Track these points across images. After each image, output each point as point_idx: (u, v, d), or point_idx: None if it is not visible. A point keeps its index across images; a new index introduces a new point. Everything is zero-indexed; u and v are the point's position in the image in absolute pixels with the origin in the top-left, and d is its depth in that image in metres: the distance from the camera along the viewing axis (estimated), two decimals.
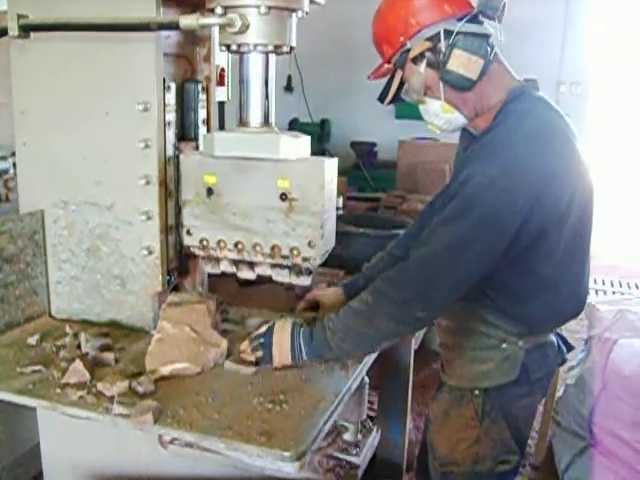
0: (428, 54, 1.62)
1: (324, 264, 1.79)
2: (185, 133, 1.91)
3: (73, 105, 1.81)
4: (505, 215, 1.50)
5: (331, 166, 1.69)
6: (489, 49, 1.59)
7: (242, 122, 1.77)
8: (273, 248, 1.71)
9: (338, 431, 1.97)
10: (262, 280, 1.85)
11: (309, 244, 1.68)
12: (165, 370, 1.61)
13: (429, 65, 1.63)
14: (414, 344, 2.40)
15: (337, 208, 1.81)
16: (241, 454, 1.42)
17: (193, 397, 1.53)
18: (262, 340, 1.66)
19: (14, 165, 2.10)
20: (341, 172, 1.93)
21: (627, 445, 2.53)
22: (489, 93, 1.65)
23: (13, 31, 1.75)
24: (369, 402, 2.05)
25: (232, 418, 1.45)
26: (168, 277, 1.88)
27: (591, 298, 2.77)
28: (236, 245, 1.74)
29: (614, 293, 4.98)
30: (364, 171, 5.98)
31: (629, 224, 7.10)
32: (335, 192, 1.76)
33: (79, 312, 1.94)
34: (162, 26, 1.67)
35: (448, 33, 1.58)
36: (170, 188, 1.84)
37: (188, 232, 1.78)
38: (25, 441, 2.01)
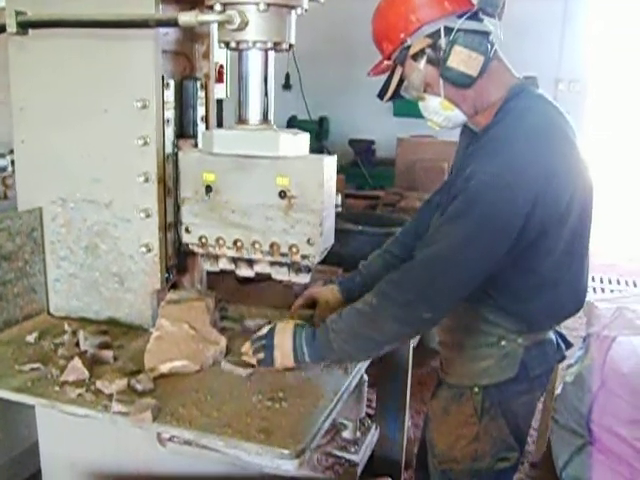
0: (428, 51, 1.62)
1: (323, 262, 1.79)
2: (184, 130, 1.91)
3: (72, 102, 1.81)
4: (507, 213, 1.50)
5: (330, 164, 1.69)
6: (489, 46, 1.59)
7: (241, 119, 1.77)
8: (272, 246, 1.71)
9: (337, 429, 1.96)
10: (261, 278, 1.85)
11: (308, 242, 1.67)
12: (164, 368, 1.61)
13: (429, 62, 1.63)
14: (413, 342, 2.40)
15: (336, 206, 1.81)
16: (240, 452, 1.42)
17: (192, 395, 1.53)
18: (264, 342, 1.66)
19: (12, 162, 2.09)
20: (340, 170, 1.93)
21: (625, 442, 2.53)
22: (489, 90, 1.65)
23: (11, 28, 1.74)
24: (368, 400, 2.05)
25: (231, 416, 1.45)
26: (167, 275, 1.88)
27: (590, 296, 2.77)
28: (235, 243, 1.74)
29: (612, 291, 4.99)
30: (363, 169, 5.99)
31: (628, 222, 7.11)
32: (334, 190, 1.75)
33: (78, 310, 1.93)
34: (161, 23, 1.67)
35: (448, 30, 1.58)
36: (169, 186, 1.84)
37: (187, 230, 1.78)
38: (24, 439, 2.01)
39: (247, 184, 1.69)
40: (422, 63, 1.63)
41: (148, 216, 1.79)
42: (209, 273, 2.02)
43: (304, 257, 1.69)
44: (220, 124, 2.71)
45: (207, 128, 1.98)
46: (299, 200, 1.65)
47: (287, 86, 6.50)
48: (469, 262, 1.53)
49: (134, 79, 1.73)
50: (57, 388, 1.54)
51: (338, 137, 6.77)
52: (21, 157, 1.91)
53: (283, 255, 1.71)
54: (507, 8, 1.62)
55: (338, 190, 1.90)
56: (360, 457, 1.93)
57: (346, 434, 1.96)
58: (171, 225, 1.87)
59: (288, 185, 1.65)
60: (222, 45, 1.73)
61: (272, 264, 1.75)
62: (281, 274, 1.77)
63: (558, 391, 2.99)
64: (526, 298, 1.68)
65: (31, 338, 1.78)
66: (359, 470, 1.91)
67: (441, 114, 1.71)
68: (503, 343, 1.71)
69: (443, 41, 1.59)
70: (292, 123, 6.49)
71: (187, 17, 1.60)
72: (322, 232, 1.67)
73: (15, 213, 1.86)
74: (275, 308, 2.06)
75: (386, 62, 1.73)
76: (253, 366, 1.66)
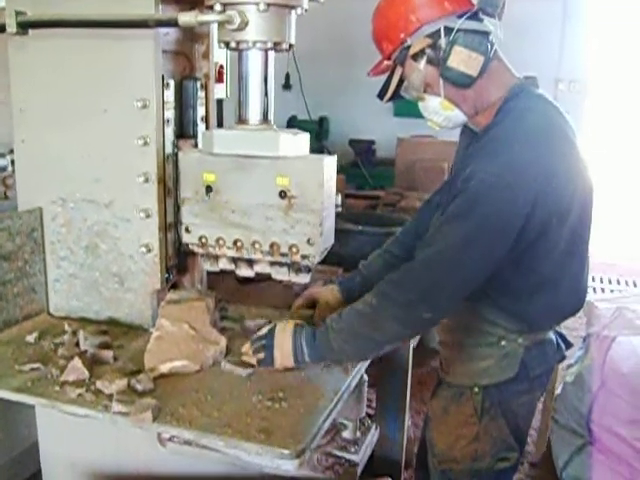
0: (428, 51, 1.62)
1: (323, 262, 1.79)
2: (184, 130, 1.91)
3: (71, 102, 1.81)
4: (508, 213, 1.50)
5: (330, 164, 1.69)
6: (489, 46, 1.59)
7: (241, 119, 1.77)
8: (272, 246, 1.71)
9: (337, 429, 1.96)
10: (261, 278, 1.85)
11: (308, 242, 1.67)
12: (164, 368, 1.61)
13: (429, 62, 1.63)
14: (413, 342, 2.40)
15: (336, 206, 1.81)
16: (240, 452, 1.42)
17: (192, 395, 1.53)
18: (264, 342, 1.65)
19: (12, 162, 2.09)
20: (340, 170, 1.92)
21: (625, 442, 2.54)
22: (489, 90, 1.65)
23: (11, 28, 1.74)
24: (368, 400, 2.05)
25: (231, 416, 1.45)
26: (167, 275, 1.88)
27: (590, 296, 2.77)
28: (235, 243, 1.74)
29: (612, 291, 4.99)
30: (363, 169, 5.98)
31: (628, 222, 7.10)
32: (334, 190, 1.75)
33: (77, 310, 1.93)
34: (161, 23, 1.67)
35: (448, 30, 1.58)
36: (169, 186, 1.84)
37: (187, 230, 1.78)
38: (24, 439, 2.01)
39: (247, 184, 1.69)
40: (422, 63, 1.63)
41: (148, 216, 1.79)
42: (209, 273, 2.02)
43: (304, 257, 1.69)
44: (220, 124, 2.71)
45: (207, 128, 1.98)
46: (299, 200, 1.65)
47: (287, 86, 6.50)
48: (469, 262, 1.53)
49: (134, 79, 1.73)
50: (57, 388, 1.54)
51: (338, 137, 6.76)
52: (21, 157, 1.91)
53: (283, 255, 1.71)
54: (507, 8, 1.62)
55: (338, 190, 1.90)
56: (360, 457, 1.92)
57: (346, 434, 1.96)
58: (171, 225, 1.87)
59: (288, 185, 1.65)
60: (222, 45, 1.73)
61: (272, 264, 1.75)
62: (281, 274, 1.77)
63: (558, 391, 2.99)
64: (526, 298, 1.68)
65: (31, 338, 1.78)
66: (359, 470, 1.91)
67: (441, 114, 1.71)
68: (503, 343, 1.71)
69: (443, 41, 1.59)
70: (292, 123, 6.49)
71: (187, 17, 1.60)
72: (322, 232, 1.67)
73: (15, 213, 1.86)
74: (275, 308, 2.06)
75: (386, 62, 1.73)
76: (253, 366, 1.66)
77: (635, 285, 5.23)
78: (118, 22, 1.67)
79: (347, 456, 1.91)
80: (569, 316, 1.80)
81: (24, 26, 1.75)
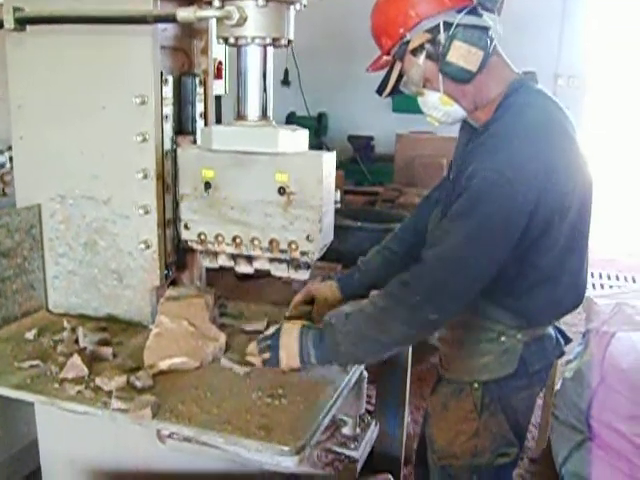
0: (427, 46, 1.61)
1: (322, 258, 1.78)
2: (182, 127, 1.90)
3: (70, 99, 1.81)
4: (510, 210, 1.50)
5: (329, 160, 1.69)
6: (489, 41, 1.58)
7: (240, 115, 1.76)
8: (271, 242, 1.70)
9: (337, 425, 1.96)
10: (260, 274, 1.84)
11: (307, 238, 1.67)
12: (163, 365, 1.61)
13: (428, 57, 1.62)
14: None
15: (335, 202, 1.81)
16: (240, 448, 1.42)
17: (192, 391, 1.53)
18: (269, 342, 1.65)
19: (11, 159, 2.09)
20: (339, 166, 1.92)
21: (624, 438, 2.54)
22: (489, 86, 1.64)
23: (9, 24, 1.74)
24: (367, 396, 2.05)
25: (231, 412, 1.45)
26: (166, 271, 1.88)
27: (589, 292, 2.77)
28: (234, 239, 1.73)
29: (612, 287, 4.97)
30: (361, 165, 5.98)
31: (627, 217, 7.11)
32: (333, 186, 1.75)
33: (76, 307, 1.93)
34: (159, 19, 1.66)
35: (447, 25, 1.57)
36: (168, 182, 1.83)
37: (186, 226, 1.78)
38: (23, 436, 2.00)
39: (246, 180, 1.68)
40: (421, 58, 1.63)
41: (147, 213, 1.79)
42: (208, 270, 2.02)
43: (303, 253, 1.69)
44: (219, 120, 2.70)
45: (206, 124, 1.98)
46: (298, 196, 1.65)
47: (286, 82, 6.50)
48: (473, 261, 1.53)
49: (132, 75, 1.73)
50: (56, 385, 1.54)
51: (337, 133, 6.76)
52: (19, 154, 1.91)
53: (282, 251, 1.70)
54: (506, 3, 1.61)
55: (337, 186, 1.90)
56: (360, 453, 1.92)
57: (346, 430, 1.96)
58: (170, 222, 1.86)
59: (287, 181, 1.65)
60: (221, 41, 1.72)
61: (271, 260, 1.75)
62: (280, 270, 1.76)
63: (557, 387, 2.99)
64: (526, 293, 1.68)
65: (30, 335, 1.78)
66: (359, 466, 1.91)
67: (440, 109, 1.70)
68: (503, 339, 1.71)
69: (442, 36, 1.58)
70: (291, 119, 6.49)
71: (185, 13, 1.60)
72: (321, 228, 1.67)
73: (14, 210, 1.85)
74: (274, 304, 2.05)
75: (385, 57, 1.72)
76: (252, 365, 1.65)
77: (634, 281, 5.21)
78: (116, 18, 1.66)
79: (347, 452, 1.91)
80: (569, 312, 1.79)
81: (22, 22, 1.75)
